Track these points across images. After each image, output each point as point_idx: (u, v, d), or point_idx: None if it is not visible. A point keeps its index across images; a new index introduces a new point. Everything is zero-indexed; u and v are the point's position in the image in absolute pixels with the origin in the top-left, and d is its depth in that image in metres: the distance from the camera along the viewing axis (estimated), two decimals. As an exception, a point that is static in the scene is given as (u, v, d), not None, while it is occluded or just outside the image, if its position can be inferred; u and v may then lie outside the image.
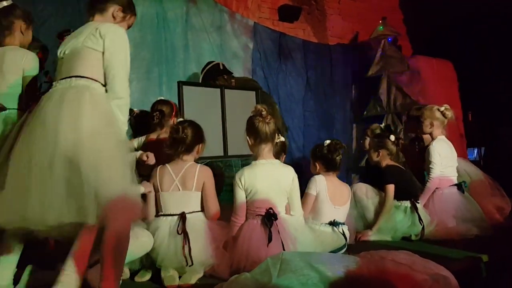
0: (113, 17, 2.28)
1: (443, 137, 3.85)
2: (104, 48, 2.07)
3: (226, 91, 4.35)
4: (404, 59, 6.20)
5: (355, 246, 3.17)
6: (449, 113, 3.82)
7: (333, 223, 3.05)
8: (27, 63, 2.45)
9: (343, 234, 3.04)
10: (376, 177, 3.68)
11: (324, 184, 3.08)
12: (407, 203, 3.46)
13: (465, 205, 3.62)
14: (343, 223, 3.11)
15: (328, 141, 3.24)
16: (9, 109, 2.38)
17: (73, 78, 2.04)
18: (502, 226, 3.71)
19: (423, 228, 3.35)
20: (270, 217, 2.61)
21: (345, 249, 3.00)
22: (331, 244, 2.98)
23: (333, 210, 3.08)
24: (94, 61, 2.08)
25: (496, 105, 6.53)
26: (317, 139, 5.66)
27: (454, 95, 6.69)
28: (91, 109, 1.93)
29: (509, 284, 2.70)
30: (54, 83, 2.12)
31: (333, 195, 3.10)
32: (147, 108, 3.54)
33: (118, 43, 2.11)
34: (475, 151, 7.04)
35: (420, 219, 3.36)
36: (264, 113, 2.76)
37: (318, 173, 3.21)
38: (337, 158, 3.16)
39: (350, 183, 5.72)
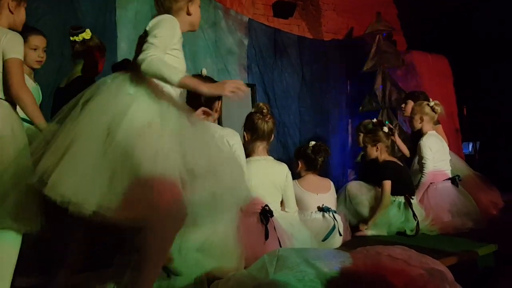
0: None
1: (434, 132, 3.87)
2: None
3: (222, 87, 4.33)
4: (399, 54, 6.20)
5: (352, 242, 3.19)
6: (438, 108, 3.84)
7: (323, 209, 3.09)
8: (6, 43, 2.10)
9: (334, 219, 3.08)
10: (372, 172, 3.70)
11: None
12: (401, 199, 3.48)
13: (459, 199, 3.65)
14: (334, 211, 3.16)
15: (313, 143, 3.30)
16: None
17: None
18: (498, 220, 3.74)
19: (417, 223, 3.36)
20: (266, 214, 2.62)
21: (335, 230, 3.03)
22: (323, 231, 3.01)
23: (316, 197, 3.14)
24: None
25: (491, 100, 6.55)
26: (314, 135, 5.67)
27: (449, 90, 6.70)
28: None
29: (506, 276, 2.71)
30: None
31: (308, 185, 3.17)
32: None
33: None
34: (470, 145, 7.06)
35: (414, 214, 3.38)
36: (265, 111, 2.80)
37: (300, 172, 3.29)
38: (319, 159, 3.25)
39: (346, 178, 5.77)
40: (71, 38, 3.02)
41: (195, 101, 2.48)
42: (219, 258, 2.15)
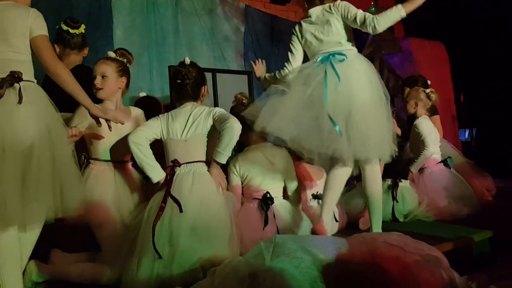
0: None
1: (426, 117, 3.89)
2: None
3: (218, 75, 4.33)
4: (396, 41, 6.17)
5: (348, 228, 3.21)
6: (434, 96, 3.89)
7: (317, 196, 3.10)
8: (34, 20, 1.97)
9: None
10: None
11: None
12: (389, 181, 3.51)
13: (454, 182, 3.68)
14: None
15: None
16: (24, 81, 1.93)
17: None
18: (493, 206, 3.77)
19: (393, 207, 3.38)
20: (267, 201, 2.64)
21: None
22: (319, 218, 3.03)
23: (310, 185, 3.15)
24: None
25: (488, 86, 6.54)
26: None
27: (446, 77, 6.70)
28: None
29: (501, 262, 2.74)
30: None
31: (300, 174, 3.17)
32: (136, 94, 3.52)
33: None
34: (467, 132, 7.08)
35: (393, 197, 3.40)
36: (245, 101, 2.79)
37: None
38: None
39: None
40: (71, 31, 2.98)
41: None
42: (211, 243, 2.16)
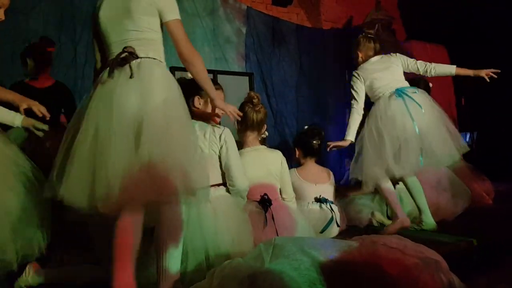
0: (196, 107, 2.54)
1: None
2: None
3: (219, 76, 4.33)
4: (398, 43, 6.17)
5: (347, 231, 3.21)
6: None
7: (320, 200, 3.10)
8: (164, 3, 1.94)
9: (331, 210, 3.09)
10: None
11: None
12: None
13: (441, 172, 3.66)
14: (331, 202, 3.16)
15: (306, 127, 3.31)
16: (141, 57, 1.92)
17: None
18: (494, 209, 3.77)
19: (386, 210, 3.38)
20: (265, 203, 2.64)
21: (332, 222, 3.04)
22: (320, 222, 3.03)
23: (314, 188, 3.15)
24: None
25: (489, 90, 6.53)
26: (311, 124, 5.65)
27: (447, 80, 6.69)
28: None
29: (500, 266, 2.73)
30: None
31: (307, 175, 3.18)
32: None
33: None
34: (468, 136, 7.07)
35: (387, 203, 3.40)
36: (255, 100, 2.79)
37: (298, 160, 3.29)
38: (315, 142, 3.23)
39: (344, 168, 5.76)
40: (49, 49, 3.19)
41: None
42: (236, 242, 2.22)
